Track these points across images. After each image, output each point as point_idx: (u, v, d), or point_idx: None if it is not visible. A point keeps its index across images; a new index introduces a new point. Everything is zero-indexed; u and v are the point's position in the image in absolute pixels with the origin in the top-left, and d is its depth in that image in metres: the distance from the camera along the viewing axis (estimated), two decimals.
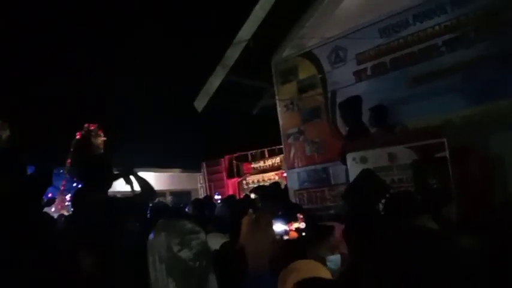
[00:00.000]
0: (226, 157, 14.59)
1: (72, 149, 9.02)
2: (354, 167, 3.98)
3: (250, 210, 1.17)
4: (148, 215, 3.89)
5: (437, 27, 4.58)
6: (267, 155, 14.17)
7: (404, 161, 3.79)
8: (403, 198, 2.66)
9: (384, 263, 0.87)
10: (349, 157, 4.07)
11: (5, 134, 7.36)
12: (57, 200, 8.76)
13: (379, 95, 4.77)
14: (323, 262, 1.84)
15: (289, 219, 1.23)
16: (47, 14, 12.85)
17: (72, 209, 3.13)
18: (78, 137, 9.09)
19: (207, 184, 14.76)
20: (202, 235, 1.51)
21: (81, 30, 13.78)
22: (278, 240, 1.23)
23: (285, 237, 1.25)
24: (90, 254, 2.49)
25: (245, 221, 1.17)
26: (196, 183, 14.83)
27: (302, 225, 1.29)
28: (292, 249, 1.91)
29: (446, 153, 3.56)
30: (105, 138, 9.17)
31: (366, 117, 4.61)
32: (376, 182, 3.28)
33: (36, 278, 2.42)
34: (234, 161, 14.57)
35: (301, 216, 1.27)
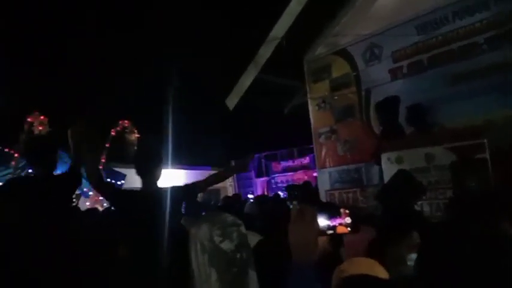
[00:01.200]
0: (255, 156, 14.62)
1: (107, 145, 9.27)
2: (389, 168, 3.90)
3: (295, 203, 1.17)
4: (184, 210, 3.95)
5: (478, 24, 4.41)
6: (296, 155, 14.13)
7: (442, 162, 3.69)
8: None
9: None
10: (384, 157, 3.99)
11: (45, 129, 7.65)
12: (91, 194, 9.03)
13: (416, 94, 4.65)
14: (403, 262, 1.80)
15: (332, 214, 1.21)
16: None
17: (110, 202, 3.21)
18: (112, 133, 9.35)
19: (235, 183, 14.87)
20: (242, 228, 1.55)
21: (114, 32, 14.13)
22: (323, 235, 1.21)
23: (329, 232, 1.23)
24: (131, 244, 2.55)
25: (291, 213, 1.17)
26: (225, 182, 14.92)
27: (347, 220, 1.26)
28: (372, 247, 1.89)
29: (487, 155, 3.45)
30: (138, 135, 9.40)
31: (401, 116, 4.51)
32: (412, 183, 3.20)
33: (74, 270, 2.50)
34: (263, 160, 14.60)
35: (346, 211, 1.24)
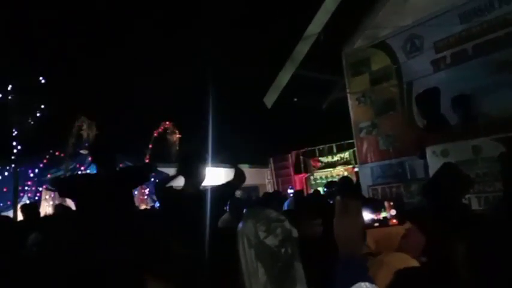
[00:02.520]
0: (294, 152, 14.61)
1: (150, 146, 9.60)
2: (434, 161, 3.81)
3: (338, 197, 1.19)
4: (228, 206, 4.06)
5: None
6: (335, 150, 13.97)
7: (490, 153, 3.57)
8: None
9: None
10: (429, 150, 3.91)
11: (93, 132, 8.03)
12: (136, 193, 9.38)
13: (460, 85, 4.50)
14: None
15: (376, 208, 1.23)
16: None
17: (160, 201, 3.34)
18: (155, 134, 9.67)
19: (274, 179, 14.91)
20: (287, 223, 1.56)
21: (152, 33, 14.50)
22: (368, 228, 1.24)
23: (375, 225, 1.25)
24: (182, 242, 2.65)
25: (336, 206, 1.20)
26: (264, 179, 15.03)
27: (392, 212, 1.27)
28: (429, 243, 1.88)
29: None
30: (180, 136, 9.66)
31: (445, 108, 4.38)
32: (459, 176, 3.12)
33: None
34: (301, 157, 14.54)
35: (391, 204, 1.25)
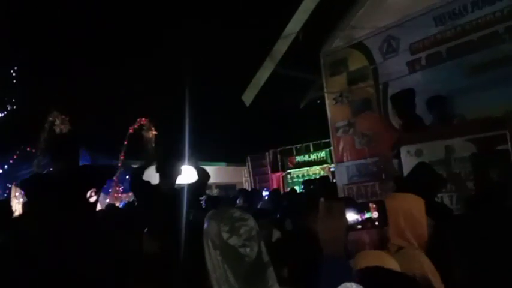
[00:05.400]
0: (271, 151, 14.61)
1: (125, 142, 9.42)
2: (408, 160, 3.87)
3: (322, 198, 1.18)
4: (204, 205, 4.02)
5: (499, 14, 4.34)
6: (311, 149, 14.06)
7: (462, 153, 3.65)
8: None
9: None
10: (404, 150, 3.97)
11: (66, 128, 7.81)
12: (111, 191, 9.20)
13: (435, 86, 4.61)
14: None
15: (360, 208, 1.22)
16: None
17: (134, 198, 3.28)
18: (131, 131, 9.49)
19: (251, 178, 14.89)
20: (250, 222, 1.53)
21: (130, 31, 14.27)
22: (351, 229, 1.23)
23: (358, 227, 1.24)
24: (154, 238, 2.60)
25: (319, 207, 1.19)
26: (241, 177, 15.01)
27: (375, 214, 1.27)
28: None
29: (509, 146, 3.40)
30: (156, 132, 9.51)
31: (420, 109, 4.47)
32: (433, 175, 3.19)
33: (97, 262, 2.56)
34: (279, 155, 14.56)
35: (374, 206, 1.25)
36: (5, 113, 9.55)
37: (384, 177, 5.20)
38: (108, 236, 3.03)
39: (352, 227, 1.23)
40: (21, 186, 3.46)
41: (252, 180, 14.80)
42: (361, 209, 1.26)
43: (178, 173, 3.05)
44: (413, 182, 3.16)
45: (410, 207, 1.70)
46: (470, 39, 4.54)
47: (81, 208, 2.90)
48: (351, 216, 1.24)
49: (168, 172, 3.01)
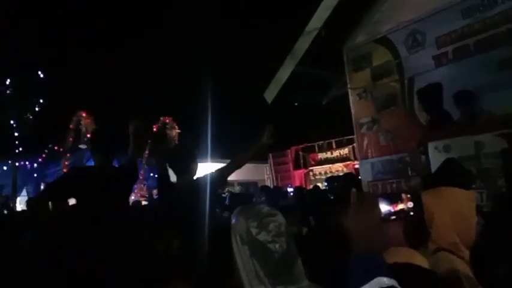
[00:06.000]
0: (293, 148, 14.56)
1: (149, 141, 9.56)
2: (436, 157, 3.80)
3: (353, 190, 1.16)
4: (227, 201, 4.04)
5: None
6: (334, 146, 13.93)
7: (492, 149, 3.56)
8: None
9: None
10: (431, 146, 3.89)
11: (91, 127, 7.98)
12: (136, 188, 9.36)
13: (462, 80, 4.49)
14: None
15: (393, 200, 1.21)
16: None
17: (158, 196, 3.33)
18: (154, 129, 9.63)
19: (273, 175, 14.87)
20: (279, 217, 1.53)
21: (152, 31, 14.44)
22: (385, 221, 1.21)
23: (392, 218, 1.22)
24: (177, 236, 2.63)
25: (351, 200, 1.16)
26: (263, 174, 15.02)
27: (409, 204, 1.26)
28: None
29: None
30: (179, 131, 9.62)
31: (447, 104, 4.37)
32: (461, 171, 3.12)
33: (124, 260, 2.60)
34: (301, 152, 14.50)
35: (408, 196, 1.23)
36: (34, 113, 9.82)
37: (410, 173, 5.11)
38: (139, 234, 3.08)
39: (385, 218, 1.21)
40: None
41: (274, 178, 14.78)
42: (394, 200, 1.24)
43: (194, 171, 3.07)
44: (442, 178, 3.10)
45: (459, 204, 1.61)
46: (500, 32, 4.39)
47: (125, 204, 2.96)
48: (384, 207, 1.22)
49: (181, 172, 3.04)
